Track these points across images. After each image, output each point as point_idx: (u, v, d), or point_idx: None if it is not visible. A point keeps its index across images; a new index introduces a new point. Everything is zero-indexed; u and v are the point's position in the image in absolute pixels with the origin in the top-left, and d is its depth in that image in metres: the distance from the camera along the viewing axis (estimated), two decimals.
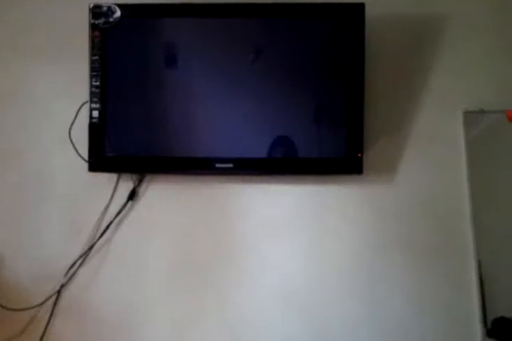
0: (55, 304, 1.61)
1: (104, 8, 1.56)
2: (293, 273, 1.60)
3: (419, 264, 1.58)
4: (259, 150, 1.56)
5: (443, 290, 1.57)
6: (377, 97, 1.63)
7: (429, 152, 1.62)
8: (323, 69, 1.57)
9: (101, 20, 1.56)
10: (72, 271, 1.62)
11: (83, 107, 1.64)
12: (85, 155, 1.59)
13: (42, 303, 1.61)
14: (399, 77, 1.66)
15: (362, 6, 1.53)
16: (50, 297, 1.61)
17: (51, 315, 1.61)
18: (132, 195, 1.65)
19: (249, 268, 1.60)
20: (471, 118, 1.61)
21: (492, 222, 1.58)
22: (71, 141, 1.64)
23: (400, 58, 1.66)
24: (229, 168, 1.55)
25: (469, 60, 1.65)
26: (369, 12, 1.53)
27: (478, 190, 1.58)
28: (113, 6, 1.56)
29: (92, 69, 1.56)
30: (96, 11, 1.56)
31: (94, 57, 1.56)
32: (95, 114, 1.57)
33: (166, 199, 1.65)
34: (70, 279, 1.63)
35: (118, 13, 1.56)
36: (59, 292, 1.62)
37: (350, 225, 1.61)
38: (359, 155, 1.53)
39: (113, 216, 1.64)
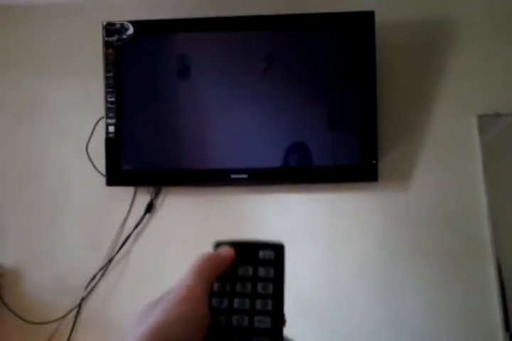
0: (76, 317, 1.63)
1: (117, 26, 1.59)
2: (309, 281, 1.59)
3: (437, 271, 1.56)
4: (273, 159, 1.56)
5: (462, 296, 1.54)
6: (390, 104, 1.63)
7: (445, 157, 1.61)
8: (334, 77, 1.58)
9: (114, 38, 1.59)
10: (92, 284, 1.64)
11: (99, 122, 1.67)
12: (102, 170, 1.62)
13: (63, 317, 1.63)
14: (411, 82, 1.65)
15: (372, 13, 1.54)
16: (72, 310, 1.63)
17: (73, 328, 1.63)
18: (149, 208, 1.67)
19: None
20: (485, 121, 1.59)
21: (511, 225, 1.56)
22: (88, 155, 1.67)
23: (412, 64, 1.66)
24: (244, 179, 1.56)
25: (482, 63, 1.64)
26: (379, 18, 1.54)
27: (495, 194, 1.56)
28: (126, 23, 1.59)
29: (107, 85, 1.59)
30: (109, 29, 1.60)
31: (108, 74, 1.59)
32: (111, 129, 1.60)
33: (183, 211, 1.66)
34: (90, 292, 1.65)
35: (131, 30, 1.59)
36: (80, 305, 1.64)
37: (366, 232, 1.60)
38: (374, 162, 1.53)
39: (131, 229, 1.66)
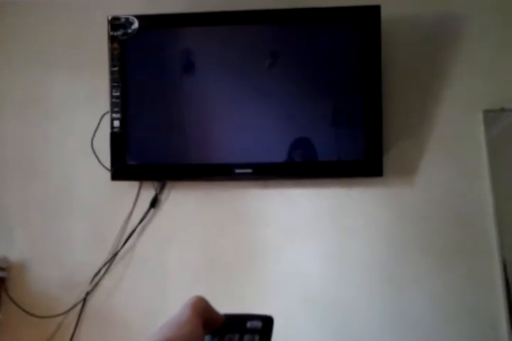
0: (81, 311, 1.64)
1: (123, 20, 1.59)
2: (314, 277, 1.59)
3: (442, 267, 1.55)
4: (277, 154, 1.56)
5: (467, 293, 1.53)
6: (396, 98, 1.62)
7: (450, 152, 1.60)
8: (340, 72, 1.57)
9: (119, 32, 1.59)
10: (96, 278, 1.65)
11: (104, 117, 1.67)
12: (107, 164, 1.63)
13: (68, 311, 1.63)
14: (417, 77, 1.65)
15: (377, 8, 1.53)
16: (76, 304, 1.64)
17: (77, 321, 1.63)
18: (154, 203, 1.67)
19: (270, 273, 1.60)
20: (491, 116, 1.58)
21: None
22: (93, 150, 1.67)
23: (417, 58, 1.66)
24: (248, 174, 1.56)
25: (488, 58, 1.63)
26: (385, 13, 1.53)
27: (500, 189, 1.55)
28: (131, 17, 1.59)
29: (112, 80, 1.60)
30: (114, 23, 1.60)
31: (113, 69, 1.60)
32: (116, 123, 1.60)
33: (188, 205, 1.66)
34: (95, 287, 1.65)
35: (136, 25, 1.59)
36: (84, 299, 1.64)
37: (371, 228, 1.59)
38: (379, 157, 1.52)
39: (136, 223, 1.66)
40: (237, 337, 0.47)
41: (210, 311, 0.49)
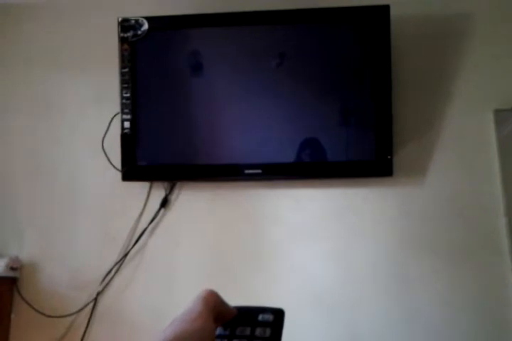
0: (92, 311, 1.65)
1: (132, 22, 1.60)
2: (323, 277, 1.59)
3: (451, 266, 1.54)
4: (287, 155, 1.56)
5: (476, 293, 1.52)
6: (406, 98, 1.62)
7: (460, 152, 1.60)
8: (349, 72, 1.57)
9: (129, 34, 1.60)
10: (107, 278, 1.66)
11: (114, 118, 1.68)
12: (118, 165, 1.64)
13: (79, 310, 1.65)
14: (426, 76, 1.64)
15: (387, 8, 1.53)
16: (87, 304, 1.65)
17: (89, 321, 1.64)
18: (164, 203, 1.68)
19: (279, 273, 1.60)
20: (502, 116, 1.57)
21: None
22: (104, 151, 1.68)
23: (427, 58, 1.65)
24: (258, 174, 1.56)
25: (498, 58, 1.62)
26: (394, 13, 1.53)
27: (511, 188, 1.54)
28: (141, 19, 1.60)
29: (123, 81, 1.60)
30: (124, 25, 1.61)
31: (124, 70, 1.61)
32: (127, 124, 1.61)
33: (197, 206, 1.67)
34: (105, 286, 1.66)
35: (146, 26, 1.60)
36: (96, 299, 1.65)
37: (380, 228, 1.59)
38: (388, 157, 1.52)
39: (146, 224, 1.67)
40: (248, 329, 0.47)
41: (222, 304, 0.49)
